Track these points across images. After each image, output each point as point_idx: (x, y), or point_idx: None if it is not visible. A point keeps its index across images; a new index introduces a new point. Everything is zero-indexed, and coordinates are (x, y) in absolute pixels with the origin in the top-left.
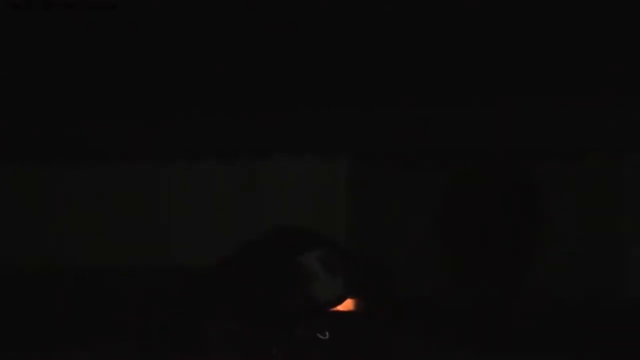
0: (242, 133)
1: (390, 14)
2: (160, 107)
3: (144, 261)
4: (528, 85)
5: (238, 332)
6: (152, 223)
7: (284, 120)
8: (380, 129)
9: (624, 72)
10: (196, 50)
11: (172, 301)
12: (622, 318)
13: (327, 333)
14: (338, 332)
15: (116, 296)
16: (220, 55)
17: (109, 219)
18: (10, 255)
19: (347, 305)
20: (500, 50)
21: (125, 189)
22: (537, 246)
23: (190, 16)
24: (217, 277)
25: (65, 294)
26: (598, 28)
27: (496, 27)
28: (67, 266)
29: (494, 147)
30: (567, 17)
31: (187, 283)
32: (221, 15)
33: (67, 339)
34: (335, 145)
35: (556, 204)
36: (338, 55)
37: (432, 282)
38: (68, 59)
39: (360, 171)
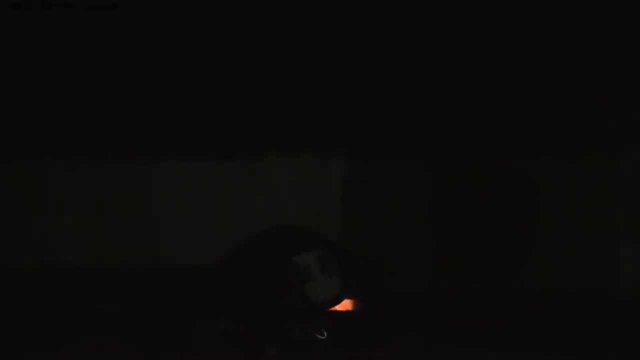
0: (241, 133)
1: (390, 14)
2: (160, 107)
3: (143, 261)
4: (528, 85)
5: (236, 332)
6: (151, 223)
7: (282, 120)
8: (378, 128)
9: (624, 72)
10: (196, 50)
11: (171, 301)
12: (622, 317)
13: (324, 332)
14: (336, 331)
15: (115, 296)
16: (220, 55)
17: (109, 219)
18: (10, 255)
19: (345, 305)
20: (500, 50)
21: (125, 189)
22: (536, 246)
23: (190, 16)
24: (217, 277)
25: (64, 294)
26: (598, 28)
27: (496, 27)
28: (67, 266)
29: (494, 147)
30: (567, 17)
31: (185, 283)
32: (221, 15)
33: (66, 338)
34: (333, 145)
35: (556, 204)
36: (337, 55)
37: (431, 282)
38: (68, 59)
39: (358, 171)
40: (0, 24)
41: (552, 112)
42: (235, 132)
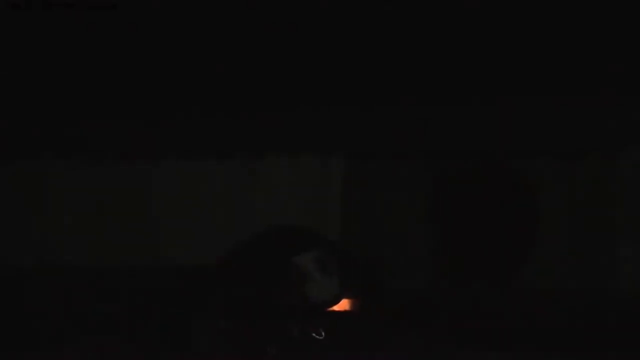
0: (241, 133)
1: (390, 14)
2: (160, 107)
3: (143, 261)
4: (528, 85)
5: (236, 332)
6: (151, 223)
7: (282, 120)
8: (378, 128)
9: (624, 72)
10: (196, 50)
11: (171, 301)
12: (622, 317)
13: (322, 333)
14: (336, 331)
15: (115, 296)
16: (220, 55)
17: (109, 219)
18: (10, 255)
19: (345, 305)
20: (500, 50)
21: (124, 189)
22: (536, 246)
23: (190, 16)
24: (217, 277)
25: (64, 294)
26: (598, 28)
27: (496, 27)
28: (67, 266)
29: (494, 147)
30: (567, 17)
31: (185, 283)
32: (221, 15)
33: (66, 338)
34: (333, 145)
35: (556, 204)
36: (337, 55)
37: (431, 282)
38: (68, 59)
39: (358, 171)
40: (0, 24)
41: (552, 112)
42: (235, 132)
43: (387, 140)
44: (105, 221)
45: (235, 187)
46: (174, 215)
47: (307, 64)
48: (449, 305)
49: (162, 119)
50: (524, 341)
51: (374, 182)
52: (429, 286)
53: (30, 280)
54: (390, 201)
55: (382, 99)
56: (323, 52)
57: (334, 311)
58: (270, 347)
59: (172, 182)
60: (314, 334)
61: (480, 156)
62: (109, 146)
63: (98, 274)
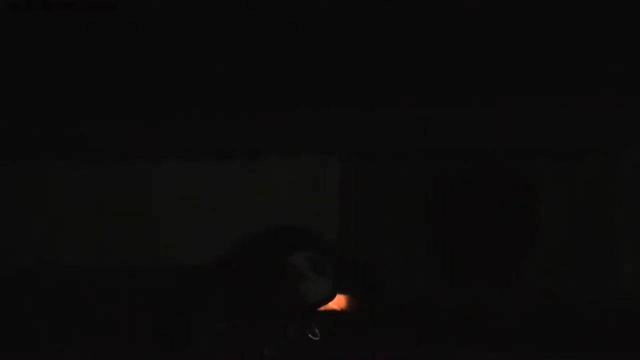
0: (241, 133)
1: (390, 14)
2: (160, 107)
3: (143, 261)
4: (528, 85)
5: (235, 332)
6: (151, 223)
7: (282, 120)
8: (377, 128)
9: (624, 72)
10: (196, 50)
11: (171, 301)
12: (622, 317)
13: (318, 333)
14: (335, 332)
15: (115, 296)
16: (220, 55)
17: (109, 219)
18: (10, 255)
19: (343, 304)
20: (500, 50)
21: (124, 189)
22: (536, 246)
23: (190, 16)
24: (217, 277)
25: (64, 294)
26: (598, 28)
27: (496, 27)
28: (67, 266)
29: (494, 147)
30: (567, 18)
31: (185, 283)
32: (221, 15)
33: (66, 338)
34: (333, 145)
35: (556, 204)
36: (337, 55)
37: (431, 282)
38: (68, 59)
39: (358, 171)
40: (0, 24)
41: (552, 112)
42: (235, 132)
43: (386, 140)
44: (105, 221)
45: (235, 187)
46: (174, 215)
47: (307, 64)
48: (449, 305)
49: (162, 119)
50: (524, 341)
51: (373, 182)
52: (429, 286)
53: (30, 280)
54: (390, 201)
55: (382, 99)
56: (323, 52)
57: (333, 311)
58: (269, 348)
59: (172, 182)
60: (310, 335)
61: (480, 156)
62: (109, 146)
63: (98, 274)
